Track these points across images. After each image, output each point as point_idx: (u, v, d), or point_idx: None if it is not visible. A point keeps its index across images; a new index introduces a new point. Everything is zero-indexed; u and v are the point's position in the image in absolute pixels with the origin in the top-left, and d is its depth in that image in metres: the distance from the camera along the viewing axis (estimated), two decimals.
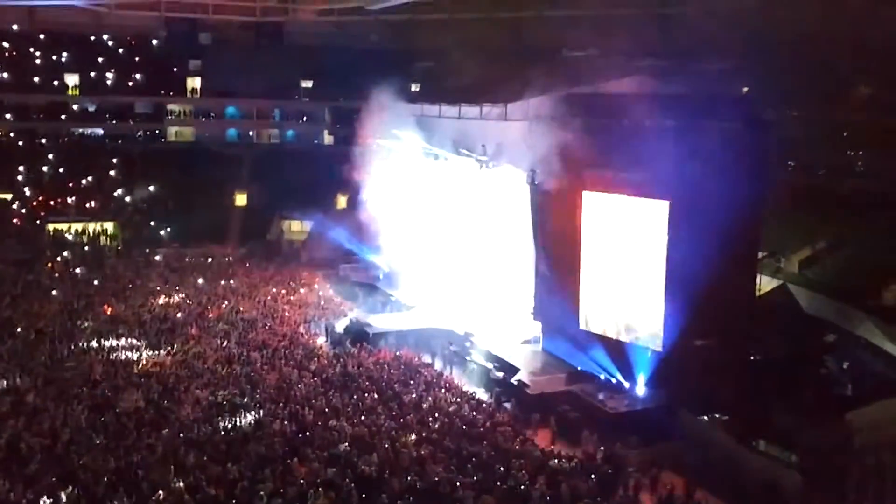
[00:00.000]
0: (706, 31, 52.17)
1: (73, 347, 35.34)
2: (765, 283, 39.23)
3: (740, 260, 31.63)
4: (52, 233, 58.76)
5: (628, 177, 31.91)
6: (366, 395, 30.32)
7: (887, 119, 44.96)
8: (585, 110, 33.93)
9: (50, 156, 66.70)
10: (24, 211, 60.27)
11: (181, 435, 25.81)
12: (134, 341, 36.71)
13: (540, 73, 37.98)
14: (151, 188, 64.42)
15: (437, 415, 28.59)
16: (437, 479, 23.04)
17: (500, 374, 34.21)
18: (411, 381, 32.48)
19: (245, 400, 29.27)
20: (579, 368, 33.80)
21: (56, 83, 72.58)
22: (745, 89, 47.75)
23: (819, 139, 49.83)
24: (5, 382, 30.90)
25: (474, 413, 29.39)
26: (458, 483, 22.96)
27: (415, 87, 63.28)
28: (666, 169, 29.88)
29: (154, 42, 78.59)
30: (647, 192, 31.52)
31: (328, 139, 77.62)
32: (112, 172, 66.39)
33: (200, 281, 49.23)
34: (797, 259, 41.41)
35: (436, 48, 68.02)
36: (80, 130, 72.65)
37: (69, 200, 62.34)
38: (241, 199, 66.14)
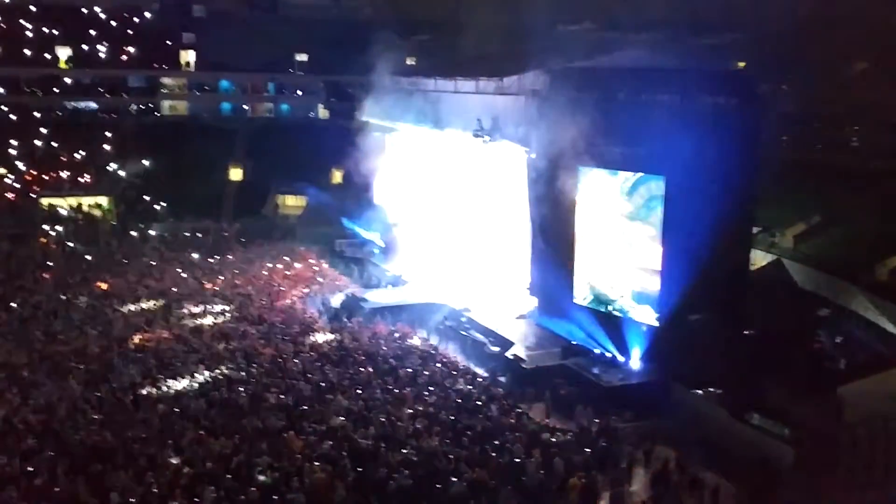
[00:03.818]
0: (702, 5, 51.93)
1: (67, 322, 35.39)
2: (759, 258, 39.32)
3: (735, 234, 31.64)
4: (45, 207, 58.61)
5: (624, 152, 31.86)
6: (361, 369, 30.44)
7: (882, 94, 44.85)
8: (581, 85, 33.80)
9: (43, 130, 66.33)
10: (17, 185, 60.06)
11: (177, 410, 25.92)
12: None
13: (536, 47, 37.83)
14: (145, 163, 64.17)
15: (432, 389, 28.74)
16: (432, 452, 23.20)
17: (496, 349, 34.31)
18: (407, 356, 32.61)
19: (241, 374, 29.38)
20: (574, 343, 33.88)
21: (48, 56, 71.97)
22: (741, 64, 47.56)
23: (814, 114, 49.75)
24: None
25: (469, 387, 29.48)
26: (453, 456, 23.14)
27: (410, 61, 62.87)
28: (661, 144, 29.82)
29: (147, 15, 77.90)
30: (643, 168, 31.50)
31: (323, 113, 77.27)
32: (106, 147, 66.08)
33: (196, 256, 49.22)
34: (792, 234, 41.47)
35: (431, 21, 67.61)
36: (73, 104, 72.20)
37: (63, 175, 62.12)
38: (235, 174, 65.88)
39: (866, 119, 47.83)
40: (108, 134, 67.35)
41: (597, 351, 32.96)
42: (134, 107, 73.98)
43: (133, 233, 55.23)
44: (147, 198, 60.68)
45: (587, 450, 24.74)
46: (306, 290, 42.81)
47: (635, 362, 31.95)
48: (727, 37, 49.16)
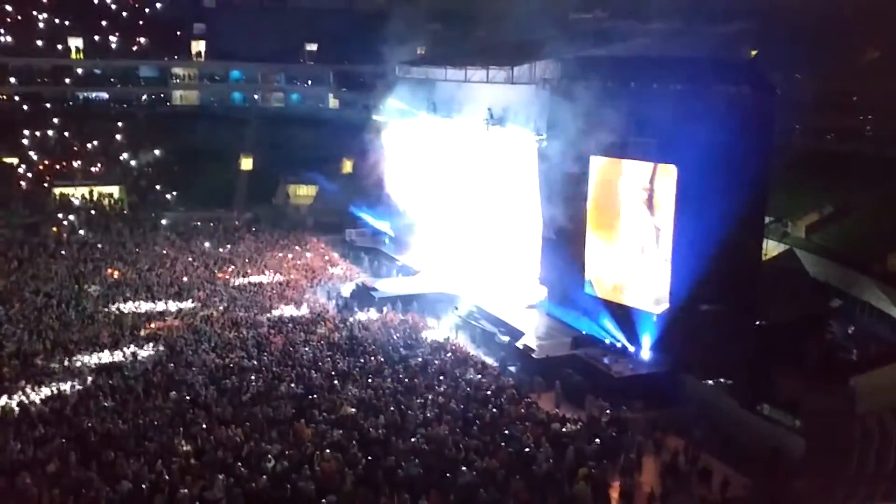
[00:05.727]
0: None
1: (80, 311, 35.53)
2: (771, 248, 39.16)
3: (747, 224, 31.46)
4: (58, 197, 58.84)
5: (636, 141, 31.75)
6: (372, 358, 30.49)
7: None
8: (592, 74, 33.66)
9: (55, 120, 66.53)
10: (30, 175, 60.28)
11: (188, 398, 26.02)
12: (141, 304, 36.97)
13: (547, 35, 37.66)
14: (157, 152, 64.31)
15: (442, 378, 28.76)
16: (442, 441, 23.22)
17: (506, 339, 34.33)
18: (417, 346, 32.64)
19: (252, 363, 29.46)
20: (584, 333, 33.87)
21: (60, 46, 72.15)
22: (753, 52, 47.22)
23: (827, 103, 49.40)
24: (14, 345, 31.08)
25: (480, 377, 29.52)
26: (462, 445, 23.15)
27: (420, 50, 62.71)
28: (673, 133, 29.72)
29: (158, 5, 78.00)
30: (655, 157, 31.38)
31: (333, 103, 77.27)
32: (117, 136, 66.27)
33: (207, 245, 49.35)
34: (804, 224, 41.30)
35: (442, 11, 67.39)
36: (85, 94, 72.44)
37: (75, 164, 62.33)
38: (246, 164, 65.93)
39: (880, 107, 47.46)
40: (120, 123, 67.56)
41: (607, 341, 32.93)
42: (145, 97, 74.18)
43: (144, 222, 55.34)
44: (158, 187, 60.85)
45: (597, 439, 24.71)
46: (317, 280, 42.86)
47: (646, 352, 31.91)
48: (739, 25, 48.80)
